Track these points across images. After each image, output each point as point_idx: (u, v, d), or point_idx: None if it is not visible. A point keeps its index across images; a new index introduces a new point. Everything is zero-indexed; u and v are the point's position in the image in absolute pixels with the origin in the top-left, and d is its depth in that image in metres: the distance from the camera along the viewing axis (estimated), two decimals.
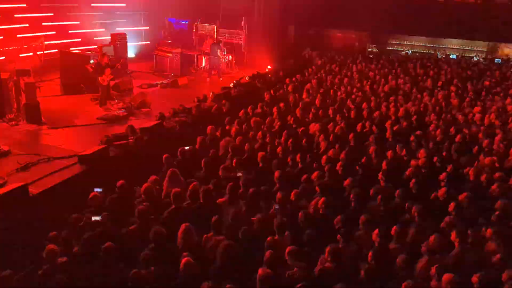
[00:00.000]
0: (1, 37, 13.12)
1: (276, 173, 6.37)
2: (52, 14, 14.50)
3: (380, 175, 6.34)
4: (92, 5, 15.57)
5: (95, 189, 6.15)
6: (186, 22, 17.68)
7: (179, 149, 7.49)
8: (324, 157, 7.08)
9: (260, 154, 7.16)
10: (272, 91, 11.87)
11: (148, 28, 17.94)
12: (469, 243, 4.79)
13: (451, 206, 5.40)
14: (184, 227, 4.82)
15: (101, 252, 4.60)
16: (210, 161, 7.03)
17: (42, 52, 13.56)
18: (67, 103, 11.26)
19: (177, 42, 15.99)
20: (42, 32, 13.92)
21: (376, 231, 4.80)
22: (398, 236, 4.91)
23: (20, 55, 13.62)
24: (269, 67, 15.73)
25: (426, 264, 4.46)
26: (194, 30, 17.06)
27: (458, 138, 8.06)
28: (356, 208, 5.60)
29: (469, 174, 6.59)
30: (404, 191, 5.87)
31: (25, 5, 13.56)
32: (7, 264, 4.98)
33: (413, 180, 6.14)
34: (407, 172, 6.62)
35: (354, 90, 12.35)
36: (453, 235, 4.78)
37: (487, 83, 13.30)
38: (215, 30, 16.75)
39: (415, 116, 9.59)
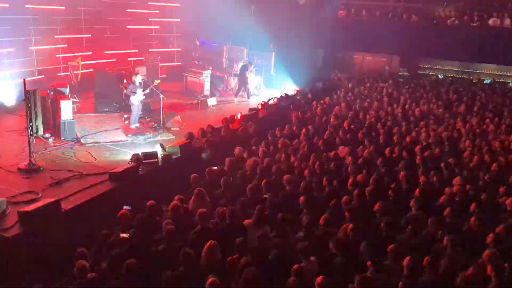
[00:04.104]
0: (41, 57, 13.74)
1: (302, 198, 6.29)
2: (90, 35, 15.14)
3: (412, 202, 6.17)
4: (128, 27, 16.18)
5: (124, 207, 6.24)
6: (217, 44, 18.03)
7: (207, 169, 7.55)
8: (351, 180, 6.96)
9: (286, 176, 7.11)
10: (300, 113, 11.87)
11: (180, 49, 18.43)
12: (506, 276, 4.56)
13: (490, 238, 5.17)
14: (209, 244, 4.82)
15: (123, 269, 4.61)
16: (237, 181, 7.04)
17: (79, 72, 14.09)
18: (101, 121, 11.60)
19: (207, 63, 16.28)
20: (79, 52, 14.51)
21: (407, 260, 4.64)
22: (430, 267, 4.72)
23: (58, 74, 14.24)
24: (297, 89, 15.78)
25: None
26: (224, 52, 17.37)
27: (493, 166, 7.78)
28: (386, 236, 5.43)
29: (505, 204, 6.33)
30: (437, 220, 5.68)
31: (64, 26, 14.20)
32: (38, 278, 5.07)
33: (448, 209, 5.93)
34: (440, 200, 6.41)
35: (384, 114, 12.20)
36: (489, 268, 4.57)
37: None
38: (245, 52, 17.01)
39: (447, 142, 9.34)
